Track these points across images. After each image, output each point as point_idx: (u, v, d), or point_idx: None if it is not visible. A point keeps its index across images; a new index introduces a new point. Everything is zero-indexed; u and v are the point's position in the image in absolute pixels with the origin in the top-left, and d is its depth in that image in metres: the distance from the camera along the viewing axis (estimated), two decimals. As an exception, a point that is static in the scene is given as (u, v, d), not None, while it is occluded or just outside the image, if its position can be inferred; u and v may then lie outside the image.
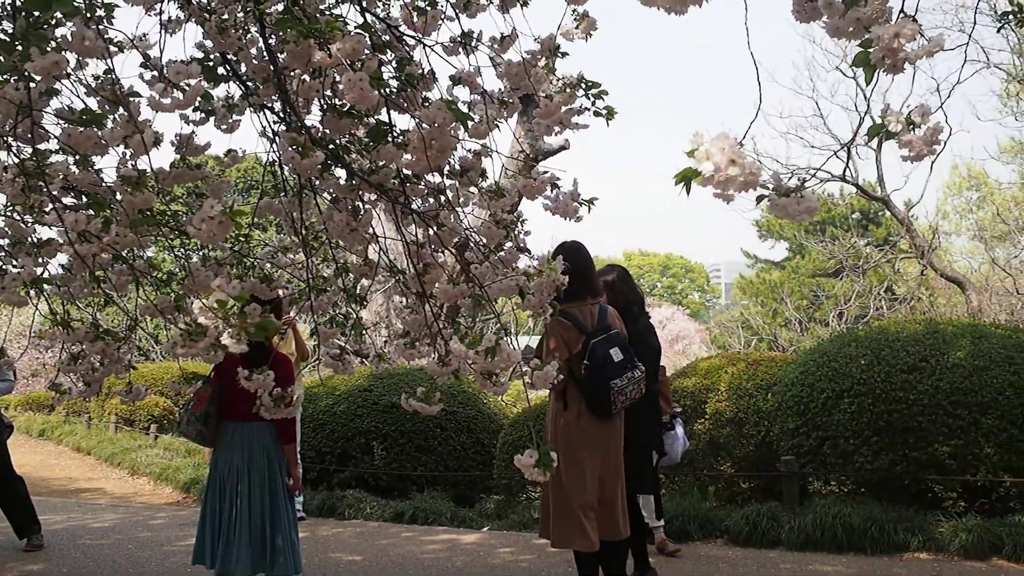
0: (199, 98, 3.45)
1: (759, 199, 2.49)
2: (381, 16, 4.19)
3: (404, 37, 4.11)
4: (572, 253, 5.17)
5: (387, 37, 4.13)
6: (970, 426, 7.44)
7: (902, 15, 2.27)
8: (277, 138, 4.14)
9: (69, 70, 3.37)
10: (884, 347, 8.11)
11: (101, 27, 3.26)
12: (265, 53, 3.94)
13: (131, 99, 3.27)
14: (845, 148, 15.13)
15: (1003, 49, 15.37)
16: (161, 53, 3.90)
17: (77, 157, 3.56)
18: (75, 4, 2.78)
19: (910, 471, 7.59)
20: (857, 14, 2.29)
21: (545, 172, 3.93)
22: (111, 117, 3.34)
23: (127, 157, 3.28)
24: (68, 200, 3.87)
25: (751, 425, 8.74)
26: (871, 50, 2.27)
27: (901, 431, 7.61)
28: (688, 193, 2.40)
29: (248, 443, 5.52)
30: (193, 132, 4.21)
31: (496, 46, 4.02)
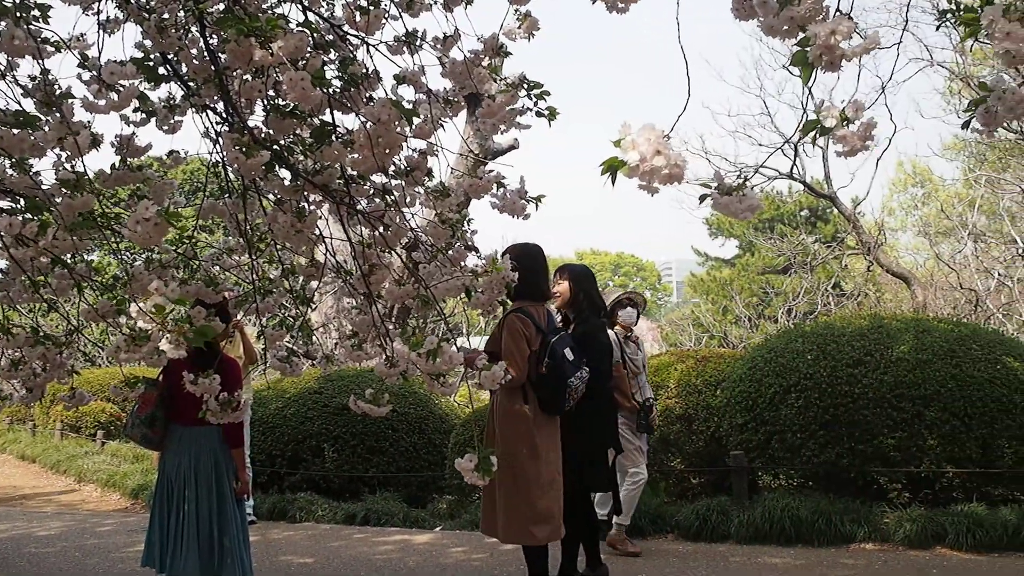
0: (137, 99, 3.40)
1: (702, 198, 2.50)
2: (324, 15, 4.15)
3: (347, 36, 4.08)
4: (525, 254, 5.27)
5: (330, 36, 4.10)
6: (914, 418, 7.56)
7: (838, 13, 2.29)
8: (220, 139, 4.10)
9: (1, 70, 3.30)
10: (830, 342, 8.22)
11: (33, 27, 3.19)
12: (206, 53, 3.88)
13: (65, 100, 3.21)
14: (792, 146, 15.23)
15: (946, 47, 15.61)
16: (99, 53, 3.84)
17: (13, 160, 3.49)
18: (5, 4, 2.72)
19: (856, 464, 7.70)
20: (791, 12, 2.30)
21: (491, 171, 3.92)
22: (46, 119, 3.28)
23: (63, 159, 3.22)
24: (4, 203, 3.80)
25: (700, 421, 8.83)
26: (808, 48, 2.28)
27: (847, 424, 7.72)
28: (613, 184, 2.40)
29: (195, 447, 5.46)
30: (134, 133, 4.14)
31: (440, 46, 4.01)
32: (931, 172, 31.23)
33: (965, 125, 3.02)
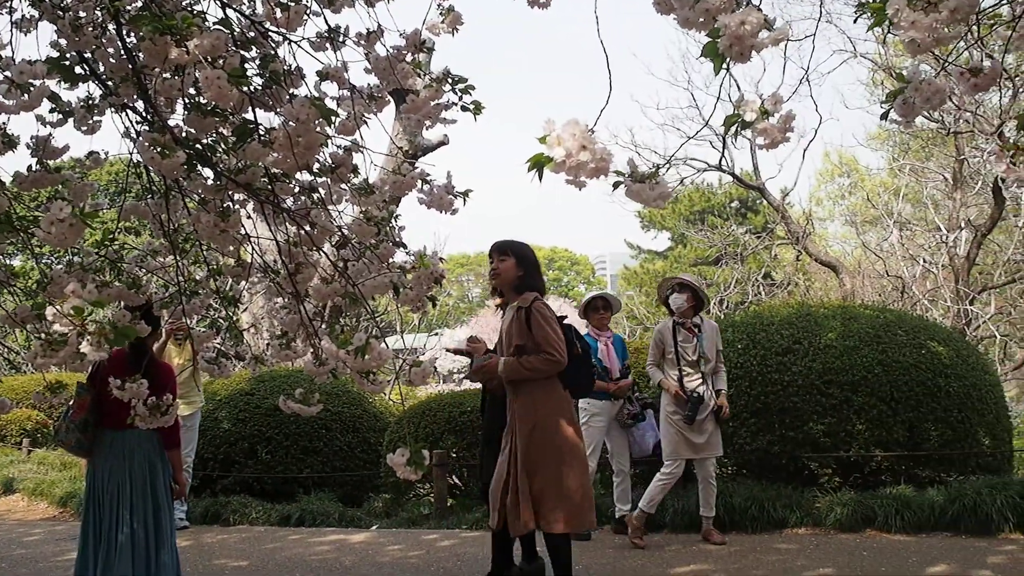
0: (51, 99, 3.33)
1: (615, 185, 2.52)
2: (244, 12, 4.10)
3: (269, 33, 4.03)
4: (527, 251, 5.37)
5: (251, 33, 4.05)
6: (842, 404, 7.70)
7: (747, 4, 2.31)
8: (140, 138, 4.03)
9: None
10: (759, 331, 8.34)
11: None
12: (123, 51, 3.81)
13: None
14: (720, 138, 15.41)
15: (868, 39, 15.87)
16: (13, 53, 3.76)
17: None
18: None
19: (787, 450, 7.82)
20: (706, 5, 2.33)
21: (415, 168, 3.91)
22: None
23: (-26, 161, 3.15)
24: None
25: (635, 413, 8.87)
26: (719, 39, 2.31)
27: (778, 411, 7.84)
28: (540, 180, 2.41)
29: (128, 451, 5.34)
30: (50, 135, 4.06)
31: (363, 42, 3.98)
32: (857, 162, 31.80)
33: (884, 116, 3.06)
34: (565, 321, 5.36)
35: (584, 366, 5.38)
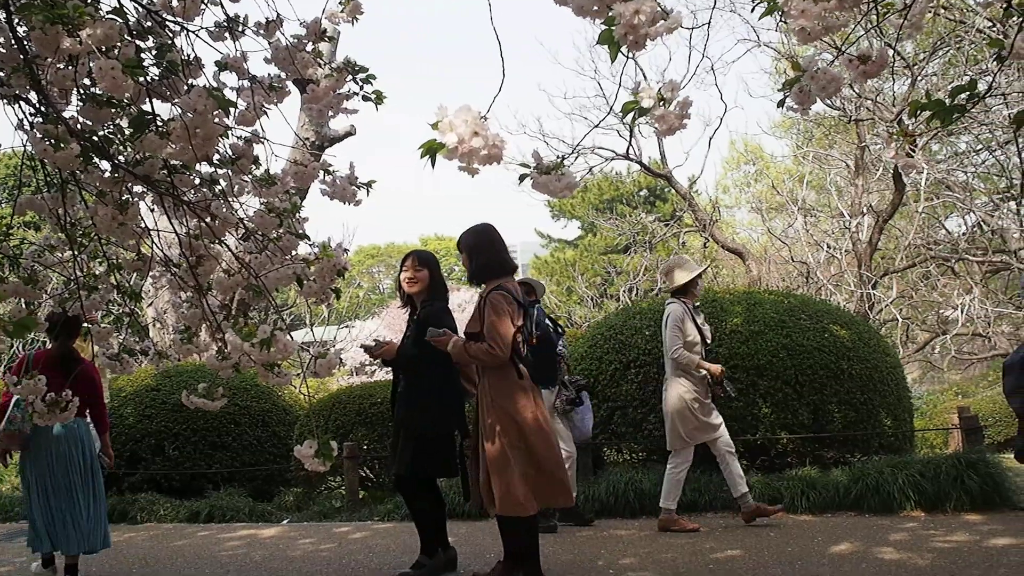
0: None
1: (522, 177, 2.54)
2: (140, 1, 4.03)
3: (166, 23, 3.97)
4: (483, 234, 5.37)
5: (148, 23, 3.98)
6: (748, 388, 7.86)
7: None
8: (33, 130, 3.94)
9: None
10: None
11: None
12: (13, 41, 3.72)
13: None
14: (627, 126, 15.54)
15: (771, 28, 16.14)
16: None
17: None
18: None
19: (695, 434, 7.93)
20: (600, -7, 2.36)
21: (313, 159, 3.89)
22: None
23: None
24: None
25: (545, 400, 8.92)
26: (614, 27, 2.34)
27: (685, 397, 7.93)
28: (433, 166, 2.42)
29: (65, 438, 6.00)
30: (-61, 126, 3.94)
31: (263, 31, 3.94)
32: (762, 150, 32.35)
33: (780, 104, 3.11)
34: (537, 305, 5.42)
35: (544, 356, 5.45)
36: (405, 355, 5.63)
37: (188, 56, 3.89)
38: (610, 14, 2.36)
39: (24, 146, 4.22)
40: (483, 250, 5.30)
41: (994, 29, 12.25)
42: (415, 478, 5.67)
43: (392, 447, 5.87)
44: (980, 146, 17.73)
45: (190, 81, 3.92)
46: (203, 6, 3.77)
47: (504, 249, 5.45)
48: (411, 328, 5.73)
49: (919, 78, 14.98)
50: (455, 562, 5.80)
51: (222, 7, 3.92)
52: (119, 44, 3.07)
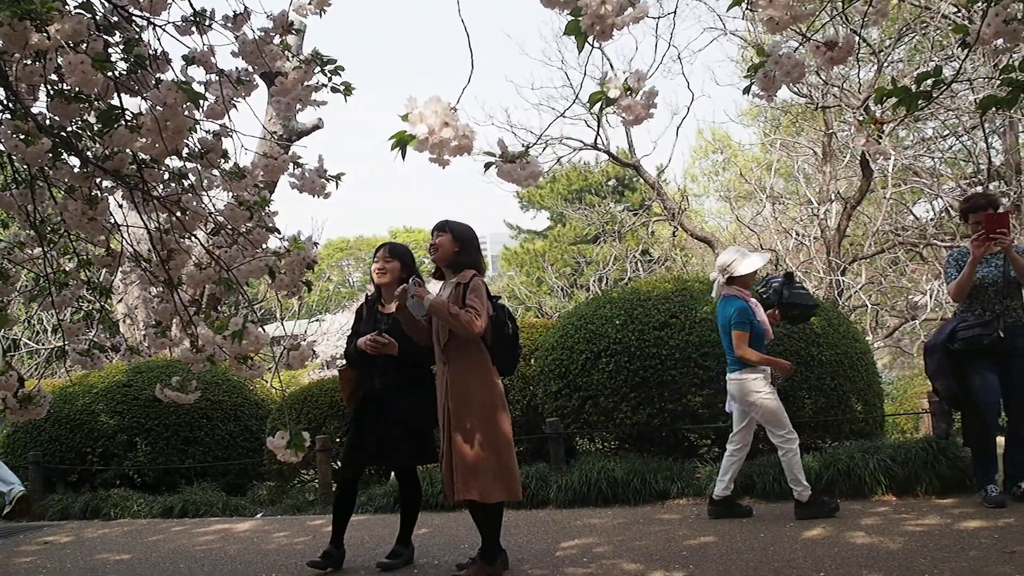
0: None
1: (487, 166, 2.57)
2: (107, -4, 4.02)
3: (133, 17, 3.97)
4: (469, 231, 5.46)
5: (115, 18, 3.98)
6: (719, 376, 7.85)
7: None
8: (2, 126, 3.93)
9: None
10: (637, 306, 8.48)
11: None
12: (-20, 37, 3.71)
13: None
14: (595, 116, 15.56)
15: (737, 16, 16.19)
16: None
17: None
18: None
19: (667, 422, 8.01)
20: (567, -16, 2.39)
21: (283, 152, 3.90)
22: None
23: None
24: None
25: (516, 391, 8.97)
26: (581, 18, 2.38)
27: (657, 385, 8.00)
28: (404, 158, 2.45)
29: None
30: (-95, 124, 3.92)
31: (230, 24, 3.95)
32: (730, 138, 32.49)
33: (746, 90, 3.14)
34: (499, 301, 5.50)
35: (513, 346, 5.51)
36: (412, 353, 5.67)
37: (156, 51, 3.89)
38: (577, 4, 2.40)
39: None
40: (473, 247, 5.43)
41: (959, 15, 12.38)
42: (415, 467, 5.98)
43: (379, 439, 5.81)
44: (947, 132, 17.91)
45: (158, 75, 3.92)
46: (170, 1, 3.78)
47: (479, 248, 5.62)
48: (384, 321, 5.75)
49: (885, 64, 15.09)
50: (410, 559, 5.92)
51: (189, 2, 3.93)
52: (87, 39, 3.08)
